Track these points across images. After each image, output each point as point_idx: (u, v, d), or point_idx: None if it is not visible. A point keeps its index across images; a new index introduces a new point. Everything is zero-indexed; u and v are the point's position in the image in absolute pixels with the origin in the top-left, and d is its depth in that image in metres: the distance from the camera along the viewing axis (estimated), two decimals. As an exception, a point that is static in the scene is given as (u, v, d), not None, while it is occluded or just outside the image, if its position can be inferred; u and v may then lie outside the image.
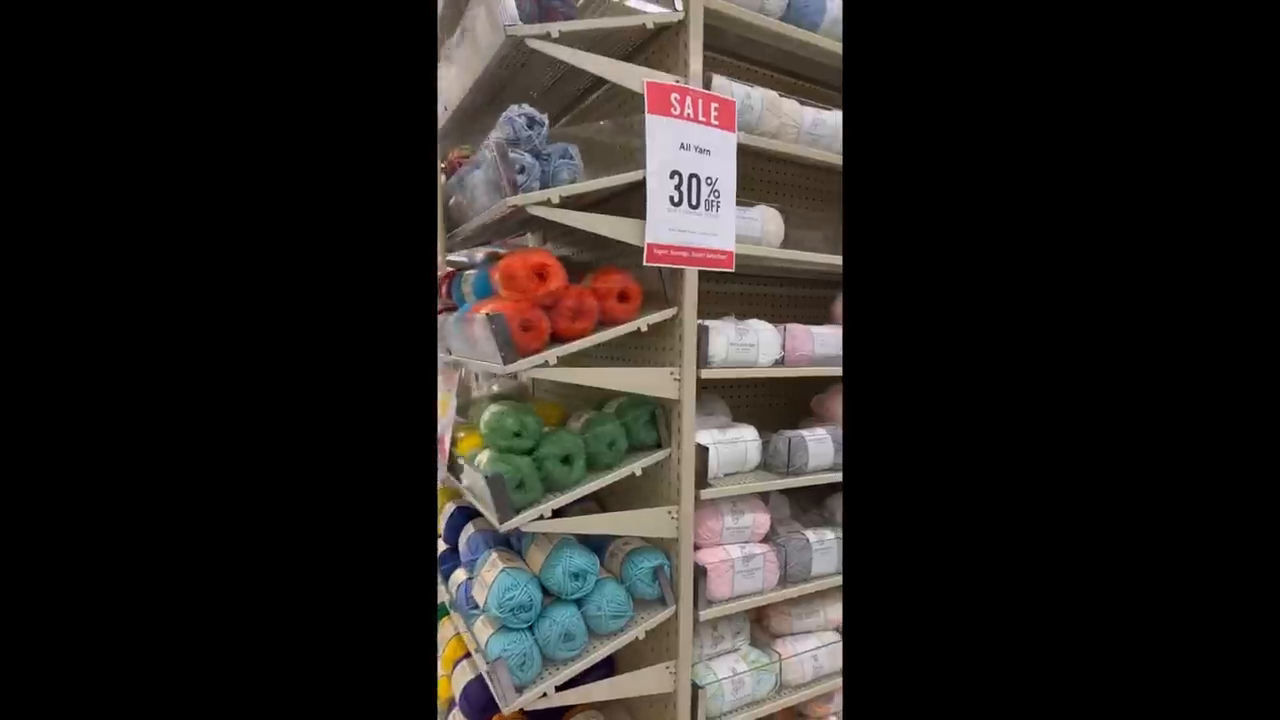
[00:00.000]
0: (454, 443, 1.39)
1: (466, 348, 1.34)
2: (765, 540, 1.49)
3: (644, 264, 1.22)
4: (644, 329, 1.26)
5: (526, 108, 1.13)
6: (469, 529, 1.49)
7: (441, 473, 1.40)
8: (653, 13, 1.22)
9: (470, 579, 1.43)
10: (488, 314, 1.10)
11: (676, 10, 1.24)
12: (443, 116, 1.54)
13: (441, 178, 1.54)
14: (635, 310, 1.27)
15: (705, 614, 1.34)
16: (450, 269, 1.64)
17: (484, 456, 1.25)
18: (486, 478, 1.12)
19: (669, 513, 1.31)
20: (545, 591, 1.24)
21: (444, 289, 1.58)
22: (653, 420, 1.33)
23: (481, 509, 1.23)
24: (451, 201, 1.40)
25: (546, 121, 1.14)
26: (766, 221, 1.41)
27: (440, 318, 1.47)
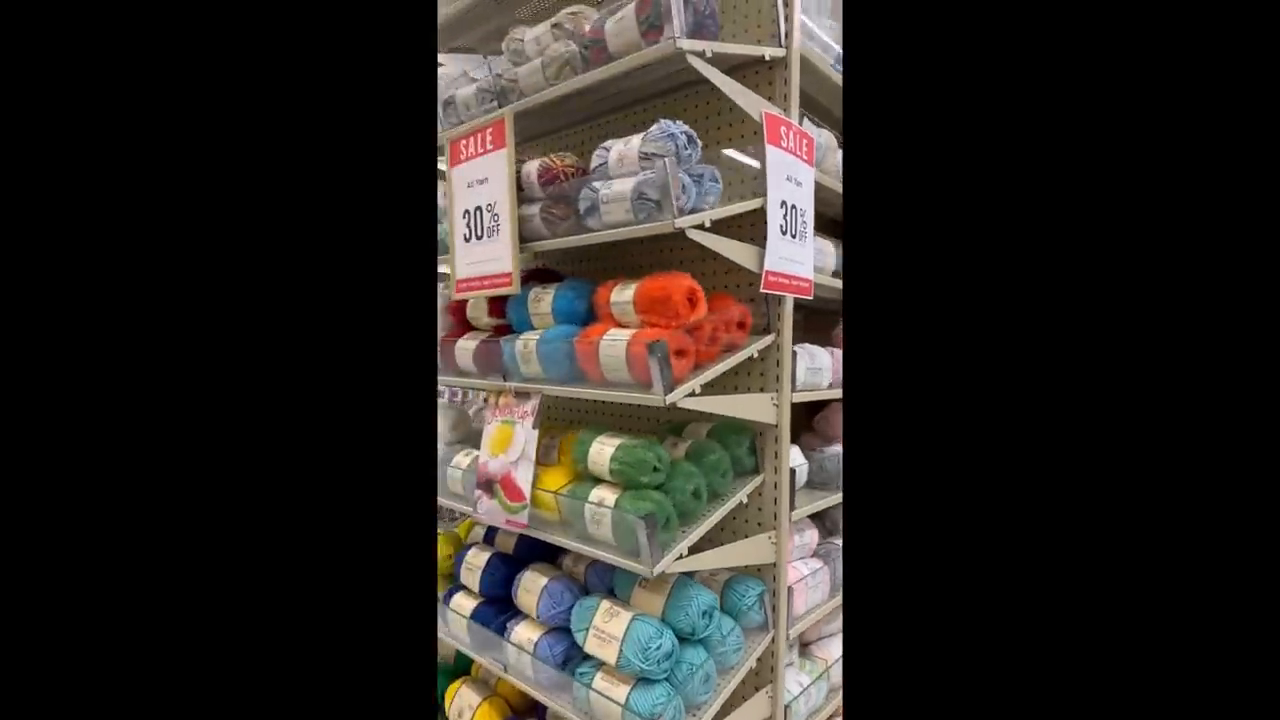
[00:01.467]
0: (535, 479, 1.24)
1: (564, 372, 1.21)
2: (814, 554, 1.57)
3: (762, 290, 1.23)
4: (756, 355, 1.26)
5: (683, 124, 1.08)
6: (537, 579, 1.32)
7: (504, 516, 1.24)
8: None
9: (553, 631, 1.28)
10: (649, 342, 1.02)
11: (781, 46, 1.28)
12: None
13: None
14: (746, 336, 1.26)
15: (792, 632, 1.37)
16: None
17: (605, 494, 1.14)
18: (642, 518, 1.03)
19: (769, 538, 1.32)
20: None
21: (493, 308, 1.40)
22: (752, 446, 1.33)
23: (604, 554, 1.12)
24: (533, 209, 1.26)
25: (700, 142, 1.10)
26: (826, 255, 1.51)
27: (502, 340, 1.30)
